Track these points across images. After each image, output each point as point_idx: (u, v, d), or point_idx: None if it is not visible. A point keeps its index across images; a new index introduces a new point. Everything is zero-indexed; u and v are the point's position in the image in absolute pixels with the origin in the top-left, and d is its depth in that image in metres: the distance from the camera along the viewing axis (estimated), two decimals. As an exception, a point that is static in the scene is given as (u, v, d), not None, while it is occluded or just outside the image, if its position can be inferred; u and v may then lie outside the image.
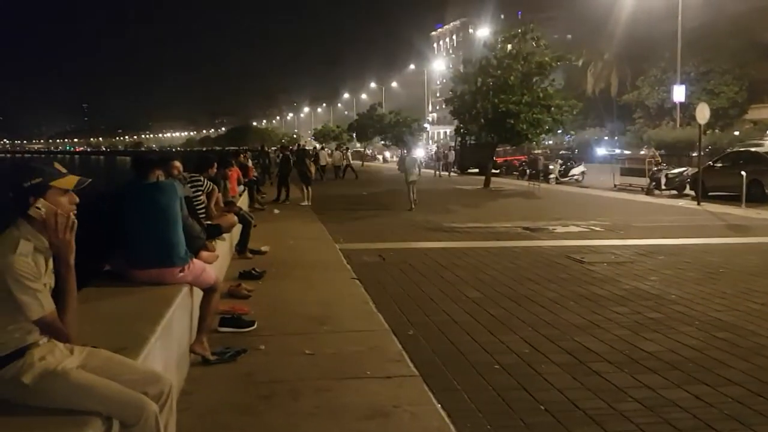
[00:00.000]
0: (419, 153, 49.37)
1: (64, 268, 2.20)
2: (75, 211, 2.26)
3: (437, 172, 30.93)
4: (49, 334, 2.20)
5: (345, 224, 12.11)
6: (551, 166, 24.96)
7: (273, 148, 45.87)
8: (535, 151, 32.75)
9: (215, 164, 6.93)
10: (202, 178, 6.32)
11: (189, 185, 5.96)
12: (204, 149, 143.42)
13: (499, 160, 31.08)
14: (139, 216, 4.01)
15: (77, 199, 2.29)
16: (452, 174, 31.12)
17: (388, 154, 60.19)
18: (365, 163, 47.55)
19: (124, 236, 4.06)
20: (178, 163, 5.64)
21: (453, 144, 31.77)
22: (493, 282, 6.85)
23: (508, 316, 5.50)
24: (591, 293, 6.30)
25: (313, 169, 17.39)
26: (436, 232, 10.95)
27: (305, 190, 16.07)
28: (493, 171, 25.87)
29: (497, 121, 21.06)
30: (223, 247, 6.66)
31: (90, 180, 2.31)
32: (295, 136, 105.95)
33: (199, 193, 6.19)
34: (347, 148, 31.22)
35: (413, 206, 14.78)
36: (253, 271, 6.81)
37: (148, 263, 3.93)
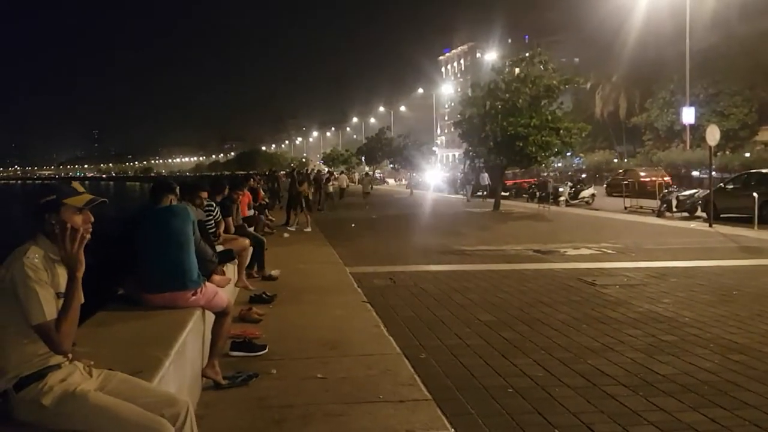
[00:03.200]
0: (430, 176, 49.82)
1: (71, 280, 2.27)
2: (90, 230, 2.34)
3: (467, 197, 28.89)
4: (45, 342, 2.24)
5: (355, 247, 12.13)
6: (561, 189, 24.95)
7: (282, 172, 46.28)
8: (544, 174, 32.83)
9: (227, 187, 7.05)
10: (213, 204, 6.41)
11: (201, 210, 6.03)
12: (213, 174, 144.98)
13: (509, 182, 31.12)
14: (152, 240, 4.07)
15: (92, 218, 2.37)
16: (483, 199, 28.41)
17: (391, 181, 60.52)
18: (374, 187, 47.81)
19: (138, 260, 4.12)
20: (204, 194, 5.71)
21: (480, 165, 30.77)
22: (505, 305, 6.84)
23: (520, 339, 5.49)
24: (604, 316, 6.27)
25: (310, 193, 17.35)
26: (447, 255, 10.95)
27: (302, 215, 15.90)
28: (503, 193, 25.90)
29: (506, 143, 21.14)
30: (234, 271, 6.72)
31: (103, 199, 2.39)
32: (304, 160, 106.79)
33: (211, 217, 6.27)
34: (341, 171, 31.47)
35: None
36: (264, 295, 6.85)
37: (162, 287, 3.98)
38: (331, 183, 25.24)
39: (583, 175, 33.60)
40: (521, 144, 20.54)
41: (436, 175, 49.89)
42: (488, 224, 17.37)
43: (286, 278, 8.25)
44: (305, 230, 14.95)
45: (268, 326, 5.76)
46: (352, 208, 23.79)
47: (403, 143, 38.97)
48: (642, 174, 28.52)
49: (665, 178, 23.08)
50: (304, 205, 16.18)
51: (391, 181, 62.39)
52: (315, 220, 18.12)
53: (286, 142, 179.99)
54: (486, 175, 28.07)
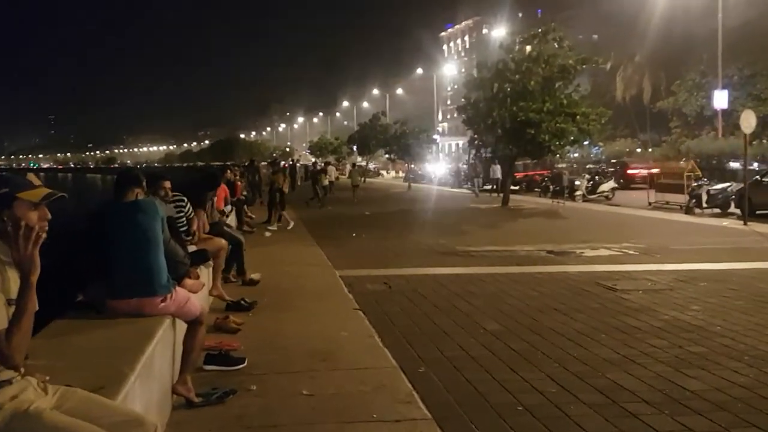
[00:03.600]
0: (432, 168, 49.77)
1: (24, 285, 2.22)
2: (46, 228, 2.30)
3: (475, 192, 28.76)
4: None
5: (346, 248, 12.14)
6: (577, 182, 25.03)
7: (263, 163, 46.24)
8: (559, 165, 32.87)
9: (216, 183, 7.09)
10: (184, 198, 6.39)
11: (171, 205, 6.02)
12: (185, 165, 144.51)
13: (519, 175, 31.20)
14: (116, 239, 4.06)
15: (49, 215, 2.33)
16: (487, 193, 28.86)
17: (386, 173, 60.61)
18: (367, 180, 47.83)
19: (100, 262, 4.11)
20: (167, 183, 5.71)
21: (487, 155, 30.65)
22: (514, 312, 6.86)
23: (531, 350, 5.50)
24: (625, 324, 6.30)
25: (285, 186, 17.29)
26: (449, 257, 10.97)
27: (276, 213, 15.93)
28: (512, 187, 25.96)
29: (516, 131, 21.19)
30: (208, 275, 6.71)
31: (62, 194, 2.34)
32: (288, 149, 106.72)
33: (182, 213, 6.25)
34: (327, 162, 31.27)
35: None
36: (243, 302, 6.84)
37: (127, 292, 3.97)
38: (327, 175, 25.16)
39: (603, 167, 33.69)
40: (533, 131, 20.58)
41: (437, 167, 50.02)
42: (496, 222, 17.40)
43: (268, 283, 8.24)
44: (270, 228, 14.87)
45: (247, 336, 5.76)
46: (341, 203, 23.81)
47: (400, 130, 39.01)
48: (634, 166, 29.46)
49: (652, 170, 23.49)
50: (278, 201, 16.11)
51: (386, 173, 62.48)
52: (301, 218, 18.12)
53: (268, 129, 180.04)
54: (498, 167, 27.92)
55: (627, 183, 28.07)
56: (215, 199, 8.52)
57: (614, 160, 35.19)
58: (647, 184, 22.60)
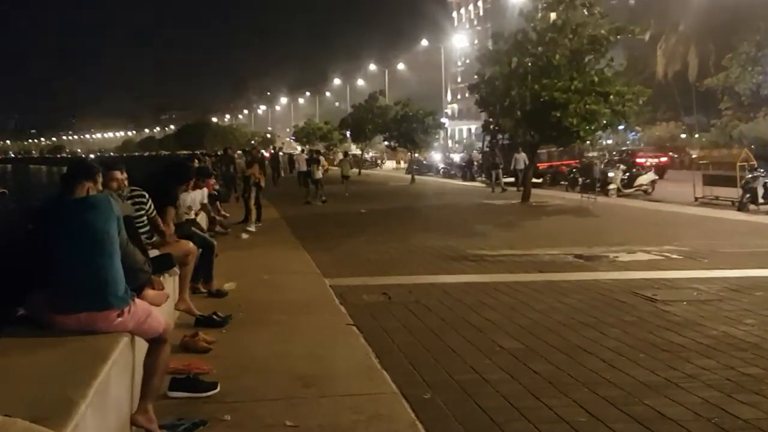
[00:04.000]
0: (439, 157, 49.71)
1: None
2: None
3: (496, 186, 28.29)
4: None
5: (337, 252, 12.14)
6: (611, 174, 25.04)
7: (239, 152, 46.15)
8: (590, 154, 32.89)
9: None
10: (145, 194, 6.39)
11: (129, 201, 6.01)
12: (146, 154, 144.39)
13: (542, 165, 31.20)
14: (63, 242, 4.05)
15: None
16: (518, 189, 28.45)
17: (387, 163, 60.59)
18: (363, 171, 47.83)
19: (44, 270, 4.10)
20: (119, 174, 5.70)
21: (505, 142, 30.28)
22: (536, 328, 6.87)
23: (557, 372, 5.51)
24: (666, 342, 6.31)
25: (262, 179, 17.12)
26: (459, 262, 10.98)
27: (252, 210, 15.90)
28: (534, 180, 25.97)
29: (538, 113, 21.16)
30: (173, 285, 6.70)
31: (2, 190, 2.34)
32: (268, 135, 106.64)
33: (143, 211, 6.24)
34: (318, 151, 30.91)
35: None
36: (215, 317, 6.84)
37: (76, 305, 3.97)
38: (322, 166, 24.89)
39: (615, 155, 33.66)
40: (558, 114, 20.56)
41: (445, 157, 50.02)
42: (514, 221, 17.42)
43: (245, 293, 8.25)
44: (248, 228, 14.78)
45: (220, 357, 5.76)
46: (332, 199, 23.82)
47: (402, 113, 38.91)
48: (643, 154, 29.46)
49: (662, 159, 23.56)
50: (254, 196, 15.98)
51: (386, 163, 62.50)
52: (284, 217, 18.12)
53: (245, 111, 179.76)
54: (522, 155, 27.68)
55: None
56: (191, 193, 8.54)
57: (624, 148, 35.28)
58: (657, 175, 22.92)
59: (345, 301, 8.02)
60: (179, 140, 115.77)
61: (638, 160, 29.27)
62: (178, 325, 6.56)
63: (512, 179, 29.16)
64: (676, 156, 40.08)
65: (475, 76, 24.45)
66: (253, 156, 18.14)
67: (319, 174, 23.74)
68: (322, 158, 28.81)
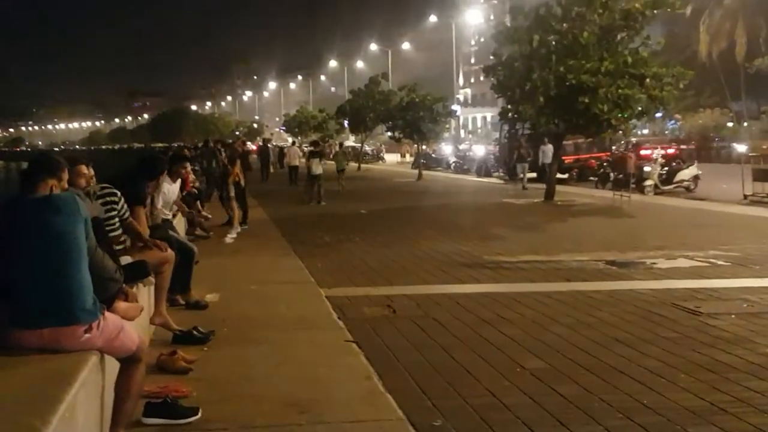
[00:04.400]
0: (447, 150, 49.65)
1: None
2: None
3: (521, 183, 28.04)
4: None
5: (334, 259, 12.14)
6: (647, 168, 25.02)
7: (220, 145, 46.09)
8: (622, 145, 32.81)
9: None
10: (117, 192, 6.39)
11: (100, 201, 6.01)
12: (116, 147, 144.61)
13: (568, 159, 31.17)
14: (23, 248, 4.05)
15: None
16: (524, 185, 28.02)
17: (391, 156, 60.49)
18: (363, 166, 47.86)
19: (2, 279, 4.10)
20: (85, 169, 5.70)
21: (525, 132, 30.02)
22: (562, 345, 6.86)
23: (586, 396, 5.50)
24: (712, 361, 6.30)
25: (242, 177, 16.86)
26: (474, 269, 10.97)
27: (236, 211, 15.85)
28: (559, 176, 25.96)
29: (564, 99, 21.15)
30: (148, 296, 6.70)
31: None
32: (255, 125, 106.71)
33: (114, 212, 6.24)
34: (316, 143, 30.43)
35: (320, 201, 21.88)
36: (196, 332, 6.84)
37: (38, 320, 3.96)
38: (320, 161, 24.59)
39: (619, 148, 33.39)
40: (587, 100, 20.55)
41: (457, 149, 49.94)
42: (537, 222, 17.41)
43: (229, 306, 8.25)
44: (230, 234, 14.64)
45: (201, 379, 5.75)
46: (327, 197, 23.72)
47: (408, 99, 38.87)
48: (649, 146, 29.29)
49: (668, 151, 23.59)
50: (230, 195, 15.80)
51: (390, 157, 62.49)
52: (273, 218, 18.14)
53: (229, 98, 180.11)
54: (550, 147, 27.53)
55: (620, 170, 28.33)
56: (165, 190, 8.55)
57: (632, 140, 34.97)
58: None
59: (343, 314, 8.01)
60: (154, 131, 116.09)
61: (643, 152, 29.15)
62: (154, 341, 6.56)
63: (534, 174, 29.14)
64: (692, 146, 40.04)
65: (491, 57, 24.40)
66: (233, 150, 17.73)
67: (319, 169, 23.43)
68: (292, 149, 28.37)
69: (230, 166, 16.45)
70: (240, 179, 16.37)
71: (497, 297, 8.96)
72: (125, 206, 6.49)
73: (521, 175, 28.30)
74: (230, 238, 14.18)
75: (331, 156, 35.32)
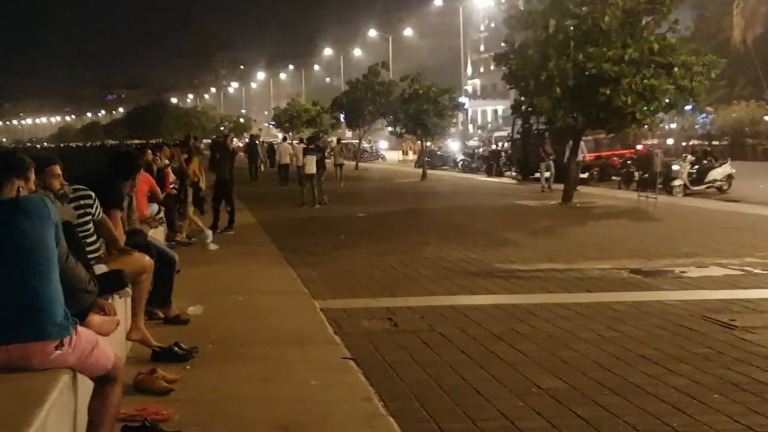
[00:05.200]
0: (454, 147, 49.63)
1: None
2: None
3: (543, 186, 27.59)
4: None
5: (330, 267, 12.16)
6: (675, 167, 25.02)
7: (206, 141, 46.16)
8: (649, 142, 32.81)
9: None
10: (92, 194, 6.39)
11: (73, 205, 6.02)
12: (88, 144, 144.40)
13: (588, 157, 31.18)
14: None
15: None
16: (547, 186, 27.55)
17: (393, 154, 60.41)
18: (361, 165, 47.85)
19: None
20: (57, 169, 5.70)
21: (540, 128, 30.04)
22: (582, 363, 6.87)
23: (609, 419, 5.50)
24: (749, 379, 6.31)
25: (202, 179, 16.49)
26: (484, 279, 10.97)
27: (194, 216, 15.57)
28: (580, 175, 25.95)
29: (583, 90, 21.16)
30: (125, 309, 6.70)
31: None
32: (242, 119, 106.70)
33: (89, 217, 6.25)
34: (312, 138, 30.24)
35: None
36: (177, 349, 6.84)
37: (4, 334, 3.97)
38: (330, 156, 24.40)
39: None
40: (608, 91, 20.55)
41: (465, 146, 49.91)
42: (554, 227, 17.43)
43: (214, 320, 8.25)
44: (208, 241, 14.29)
45: (183, 400, 5.76)
46: (330, 202, 23.74)
47: (410, 91, 38.87)
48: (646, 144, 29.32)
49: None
50: (187, 200, 15.30)
51: (391, 155, 62.49)
52: (262, 222, 18.14)
53: (213, 90, 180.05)
54: (581, 145, 27.19)
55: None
56: (134, 194, 8.53)
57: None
58: None
59: (340, 328, 8.02)
60: (130, 126, 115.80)
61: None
62: (131, 359, 6.58)
63: (547, 174, 29.09)
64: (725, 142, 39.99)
65: (503, 44, 24.40)
66: (191, 148, 17.00)
67: (313, 168, 23.29)
68: (282, 146, 27.91)
69: (186, 164, 15.75)
70: (200, 179, 15.99)
71: (510, 309, 8.97)
72: (100, 210, 6.50)
73: (546, 175, 27.94)
74: (211, 245, 14.07)
75: (328, 151, 35.17)
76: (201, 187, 16.21)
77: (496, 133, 56.62)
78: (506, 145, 40.85)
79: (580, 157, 27.65)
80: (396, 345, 7.54)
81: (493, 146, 46.41)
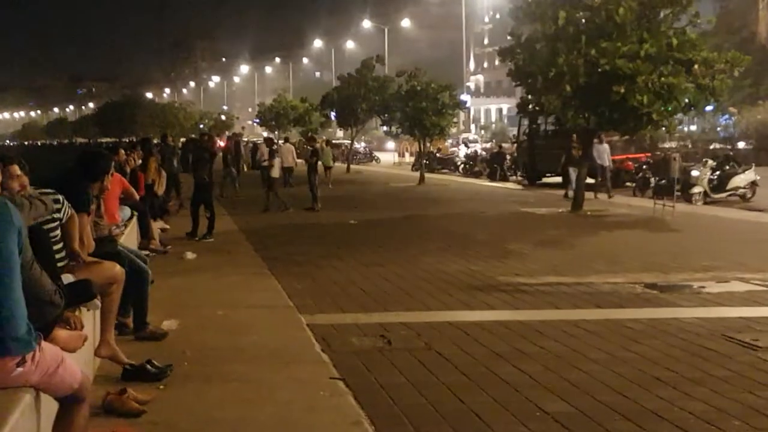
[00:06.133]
0: (455, 149, 49.64)
1: None
2: None
3: (568, 189, 26.92)
4: None
5: (318, 278, 12.15)
6: (695, 172, 25.06)
7: (184, 140, 46.07)
8: (666, 145, 32.83)
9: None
10: (60, 197, 6.38)
11: (33, 207, 6.00)
12: (55, 142, 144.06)
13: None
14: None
15: None
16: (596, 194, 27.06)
17: (389, 156, 60.46)
18: (352, 167, 47.82)
19: None
20: (19, 170, 5.69)
21: (549, 129, 30.02)
22: (592, 385, 6.87)
23: (620, 447, 5.50)
24: (773, 405, 6.32)
25: (160, 183, 16.27)
26: (487, 293, 10.98)
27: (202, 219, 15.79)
28: (589, 181, 25.96)
29: (595, 88, 21.16)
30: (94, 322, 6.69)
31: None
32: (223, 116, 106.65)
33: (57, 222, 6.24)
34: (312, 137, 30.25)
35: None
36: (150, 367, 6.82)
37: (-39, 350, 3.96)
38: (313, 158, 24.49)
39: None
40: (623, 90, 20.57)
41: (467, 147, 49.93)
42: (562, 236, 17.45)
43: (191, 335, 8.24)
44: (154, 248, 13.81)
45: (156, 423, 5.75)
46: (307, 202, 23.71)
47: (407, 87, 38.87)
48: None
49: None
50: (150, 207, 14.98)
51: (386, 156, 62.54)
52: (244, 229, 18.13)
53: (192, 84, 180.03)
54: (606, 147, 26.76)
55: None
56: (104, 197, 8.52)
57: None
58: None
59: (328, 346, 8.01)
60: (101, 123, 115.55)
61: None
62: (100, 377, 6.57)
63: (558, 178, 29.15)
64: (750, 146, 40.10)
65: (509, 38, 24.42)
66: (150, 150, 16.48)
67: (276, 173, 23.39)
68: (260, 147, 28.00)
69: (140, 171, 15.21)
70: (156, 183, 15.75)
71: (514, 326, 8.97)
72: (69, 212, 6.49)
73: (575, 182, 27.06)
74: (189, 254, 14.03)
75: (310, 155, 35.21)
76: (156, 192, 16.10)
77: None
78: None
79: (607, 161, 27.67)
80: (389, 365, 7.53)
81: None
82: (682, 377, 7.04)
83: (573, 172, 26.72)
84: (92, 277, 6.26)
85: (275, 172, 23.50)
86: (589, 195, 24.18)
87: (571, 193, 26.18)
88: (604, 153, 27.25)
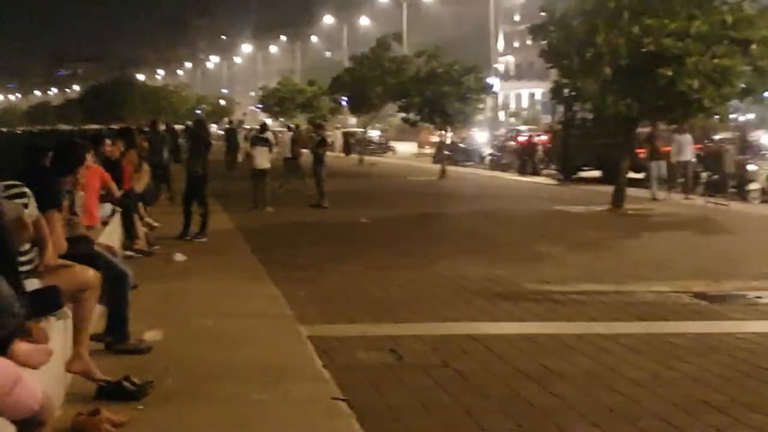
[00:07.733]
0: (481, 139, 49.72)
1: None
2: None
3: (653, 191, 26.10)
4: None
5: (322, 284, 12.17)
6: (752, 167, 24.95)
7: (179, 127, 46.20)
8: (719, 136, 32.73)
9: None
10: (26, 190, 6.35)
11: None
12: (36, 129, 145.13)
13: (643, 153, 31.11)
14: None
15: None
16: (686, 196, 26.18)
17: (406, 147, 60.51)
18: (365, 158, 47.91)
19: None
20: None
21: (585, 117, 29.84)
22: (631, 410, 6.81)
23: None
24: (839, 435, 6.24)
25: (142, 179, 16.06)
26: (513, 303, 10.97)
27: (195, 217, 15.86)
28: (632, 175, 25.87)
29: (639, 71, 21.13)
30: (63, 334, 6.65)
31: None
32: (223, 100, 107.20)
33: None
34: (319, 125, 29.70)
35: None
36: (127, 384, 6.77)
37: None
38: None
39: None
40: (670, 72, 20.51)
41: (494, 137, 49.94)
42: (600, 238, 17.43)
43: (176, 349, 8.20)
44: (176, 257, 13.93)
45: (132, 449, 5.70)
46: (314, 197, 23.75)
47: (427, 69, 38.87)
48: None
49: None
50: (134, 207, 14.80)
51: (403, 147, 62.66)
52: (240, 227, 18.17)
53: (188, 65, 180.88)
54: (688, 138, 25.73)
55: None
56: (78, 191, 8.50)
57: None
58: None
59: (331, 361, 7.96)
60: (87, 107, 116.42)
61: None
62: (71, 395, 6.53)
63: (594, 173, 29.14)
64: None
65: (542, 14, 24.42)
66: (132, 138, 16.26)
67: (266, 164, 23.06)
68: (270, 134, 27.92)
69: (125, 156, 14.98)
70: (139, 180, 15.44)
71: (543, 341, 8.95)
72: (35, 210, 6.44)
73: (655, 178, 26.39)
74: (178, 255, 14.00)
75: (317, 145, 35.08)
76: (134, 188, 15.70)
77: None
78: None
79: (690, 156, 26.83)
80: (399, 383, 7.51)
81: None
82: (734, 401, 6.97)
83: (655, 168, 26.51)
84: (61, 282, 6.20)
85: (260, 163, 22.86)
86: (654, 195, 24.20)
87: (658, 194, 25.90)
88: (686, 145, 26.26)
